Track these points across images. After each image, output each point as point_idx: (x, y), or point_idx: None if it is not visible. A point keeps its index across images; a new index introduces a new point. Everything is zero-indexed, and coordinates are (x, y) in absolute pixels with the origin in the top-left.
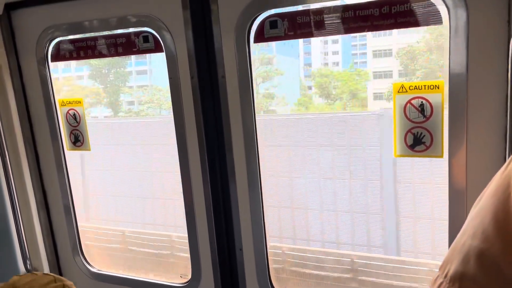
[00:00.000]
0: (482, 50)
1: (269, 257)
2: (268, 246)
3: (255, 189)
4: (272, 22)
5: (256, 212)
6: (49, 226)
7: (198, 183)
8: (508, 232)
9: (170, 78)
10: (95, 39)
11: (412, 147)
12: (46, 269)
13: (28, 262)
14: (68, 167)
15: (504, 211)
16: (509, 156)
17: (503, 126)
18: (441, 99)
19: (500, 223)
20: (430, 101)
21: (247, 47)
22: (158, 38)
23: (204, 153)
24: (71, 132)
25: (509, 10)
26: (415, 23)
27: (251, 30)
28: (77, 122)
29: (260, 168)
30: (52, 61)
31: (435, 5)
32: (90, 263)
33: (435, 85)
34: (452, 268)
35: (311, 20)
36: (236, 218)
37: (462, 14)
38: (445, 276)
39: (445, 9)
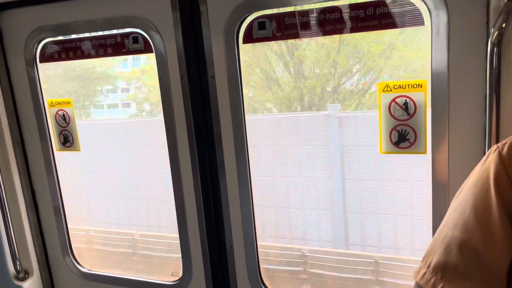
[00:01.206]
0: (462, 50)
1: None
2: (258, 243)
3: (245, 187)
4: (260, 23)
5: (246, 209)
6: (39, 226)
7: (188, 182)
8: (487, 223)
9: (160, 78)
10: (83, 40)
11: (396, 144)
12: (36, 269)
13: (17, 263)
14: (57, 168)
15: (484, 203)
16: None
17: (482, 122)
18: (424, 97)
19: (480, 215)
20: (414, 99)
21: (236, 47)
22: (147, 39)
23: (194, 153)
24: (60, 133)
25: (487, 12)
26: (399, 24)
27: (240, 31)
28: (66, 122)
29: (250, 166)
30: (40, 62)
31: (417, 7)
32: (80, 263)
33: (418, 84)
34: (434, 259)
35: (298, 22)
36: (226, 215)
37: (443, 15)
38: (428, 267)
39: (427, 10)
